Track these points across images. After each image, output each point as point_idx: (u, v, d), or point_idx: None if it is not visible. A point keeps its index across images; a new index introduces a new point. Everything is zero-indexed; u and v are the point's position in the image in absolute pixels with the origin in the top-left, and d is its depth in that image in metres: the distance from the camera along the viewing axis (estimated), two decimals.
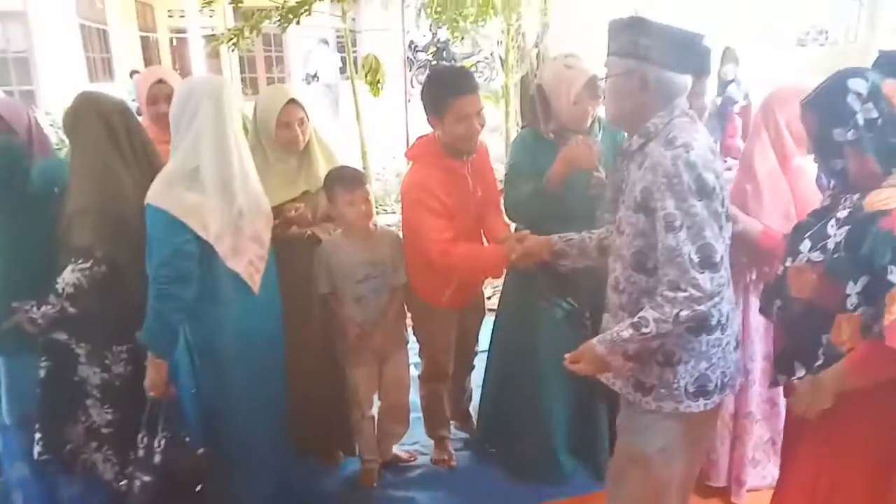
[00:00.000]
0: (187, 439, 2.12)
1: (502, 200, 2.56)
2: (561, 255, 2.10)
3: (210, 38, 9.89)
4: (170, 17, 15.91)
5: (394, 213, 6.95)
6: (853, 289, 1.57)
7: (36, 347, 2.13)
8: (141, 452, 2.09)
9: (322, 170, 2.55)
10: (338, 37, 13.38)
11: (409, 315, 2.75)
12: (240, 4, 4.25)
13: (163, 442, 2.07)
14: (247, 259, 2.12)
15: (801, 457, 1.82)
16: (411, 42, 14.16)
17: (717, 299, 1.63)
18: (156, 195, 1.99)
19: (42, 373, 2.14)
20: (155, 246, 1.97)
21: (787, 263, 1.75)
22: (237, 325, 2.14)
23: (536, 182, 2.34)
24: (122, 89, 13.00)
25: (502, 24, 5.30)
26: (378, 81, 5.13)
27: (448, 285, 2.52)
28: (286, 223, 2.42)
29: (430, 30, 12.19)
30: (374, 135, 5.53)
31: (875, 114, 1.56)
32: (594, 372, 1.81)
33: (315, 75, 13.92)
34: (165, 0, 15.14)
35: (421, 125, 2.63)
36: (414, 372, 2.87)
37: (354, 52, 6.08)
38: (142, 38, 15.03)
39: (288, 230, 2.44)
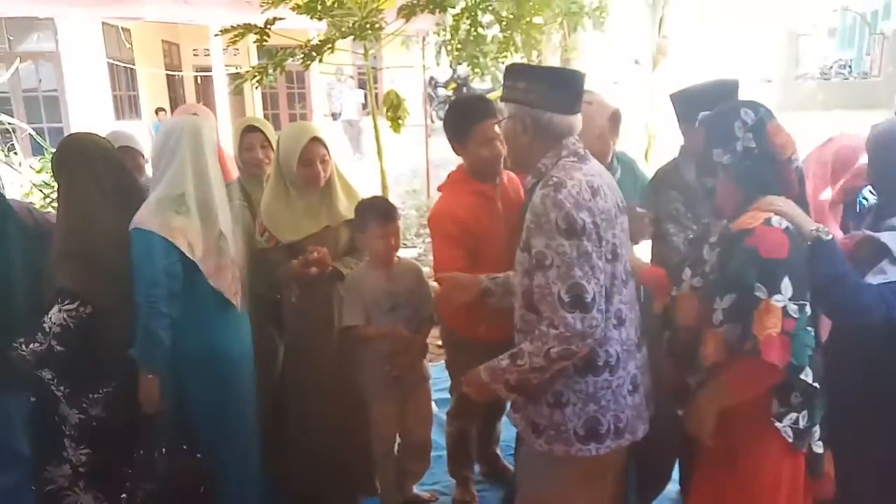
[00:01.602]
0: (184, 447, 2.25)
1: None
2: (487, 294, 2.08)
3: (234, 76, 10.11)
4: (195, 55, 16.27)
5: (414, 247, 6.95)
6: (719, 304, 1.65)
7: (24, 384, 2.20)
8: (141, 465, 2.19)
9: (343, 205, 2.55)
10: (360, 74, 13.61)
11: (431, 351, 2.72)
12: (263, 43, 4.32)
13: (163, 450, 2.21)
14: (229, 278, 2.26)
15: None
16: (432, 78, 14.38)
17: (590, 340, 1.62)
18: (143, 219, 2.12)
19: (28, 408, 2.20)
20: (143, 268, 2.10)
21: (673, 293, 1.84)
22: (217, 341, 2.27)
23: None
24: (148, 126, 13.30)
25: (522, 60, 5.34)
26: (399, 117, 5.17)
27: (481, 317, 2.48)
28: (306, 264, 2.42)
29: (451, 66, 12.37)
30: (394, 170, 5.56)
31: (753, 144, 1.67)
32: (480, 397, 1.86)
33: (339, 112, 14.17)
34: (190, 39, 15.51)
35: (441, 161, 2.65)
36: (435, 409, 2.82)
37: (376, 88, 6.16)
38: (167, 76, 15.37)
39: (308, 270, 2.43)
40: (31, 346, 2.09)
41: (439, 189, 2.60)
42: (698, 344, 1.72)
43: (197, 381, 2.25)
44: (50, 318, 2.08)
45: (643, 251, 2.37)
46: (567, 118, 1.74)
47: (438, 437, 2.88)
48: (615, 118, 2.28)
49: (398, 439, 2.71)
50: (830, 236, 1.65)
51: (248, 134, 2.74)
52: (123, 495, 2.22)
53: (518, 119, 1.75)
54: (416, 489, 2.83)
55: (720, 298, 1.65)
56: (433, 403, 2.78)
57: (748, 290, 1.58)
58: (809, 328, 1.57)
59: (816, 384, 1.59)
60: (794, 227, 1.63)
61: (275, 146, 2.65)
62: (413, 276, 2.57)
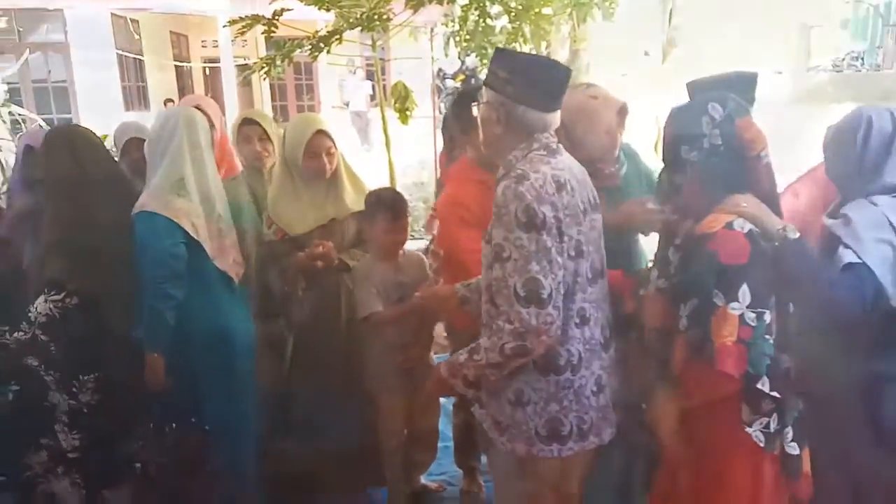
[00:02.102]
0: (192, 420, 2.33)
1: None
2: (464, 301, 2.05)
3: (242, 68, 10.12)
4: (203, 47, 16.28)
5: (422, 238, 6.94)
6: (683, 311, 1.62)
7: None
8: (152, 440, 2.28)
9: (350, 197, 2.55)
10: (368, 65, 13.57)
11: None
12: (272, 34, 4.31)
13: (173, 425, 2.29)
14: (230, 259, 2.32)
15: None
16: (440, 70, 14.30)
17: (544, 337, 1.58)
18: (147, 203, 2.17)
19: (10, 396, 2.21)
20: (148, 249, 2.15)
21: (641, 293, 1.82)
22: (222, 320, 2.33)
23: None
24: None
25: (531, 51, 5.30)
26: (407, 109, 5.17)
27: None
28: (311, 257, 2.43)
29: (459, 58, 12.31)
30: (402, 161, 5.56)
31: (720, 141, 1.61)
32: (440, 392, 1.91)
33: (346, 103, 14.16)
34: (199, 30, 15.50)
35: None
36: (442, 400, 2.83)
37: (384, 80, 6.15)
38: (176, 67, 15.39)
39: (313, 263, 2.44)
40: (16, 334, 2.12)
41: (443, 179, 2.59)
42: (664, 345, 1.70)
43: (202, 359, 2.30)
44: (36, 308, 2.11)
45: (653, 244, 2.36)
46: (543, 115, 1.69)
47: (445, 427, 2.88)
48: (623, 112, 2.26)
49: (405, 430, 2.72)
50: (798, 234, 1.61)
51: (245, 127, 2.75)
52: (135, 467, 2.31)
53: (493, 108, 1.71)
54: (423, 479, 2.84)
55: (684, 304, 1.62)
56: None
57: (707, 296, 1.55)
58: (768, 336, 1.53)
59: (775, 393, 1.55)
60: (758, 230, 1.59)
61: (273, 138, 2.69)
62: (418, 267, 2.57)
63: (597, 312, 1.74)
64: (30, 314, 2.12)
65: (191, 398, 2.32)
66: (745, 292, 1.51)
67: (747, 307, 1.52)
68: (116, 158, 2.79)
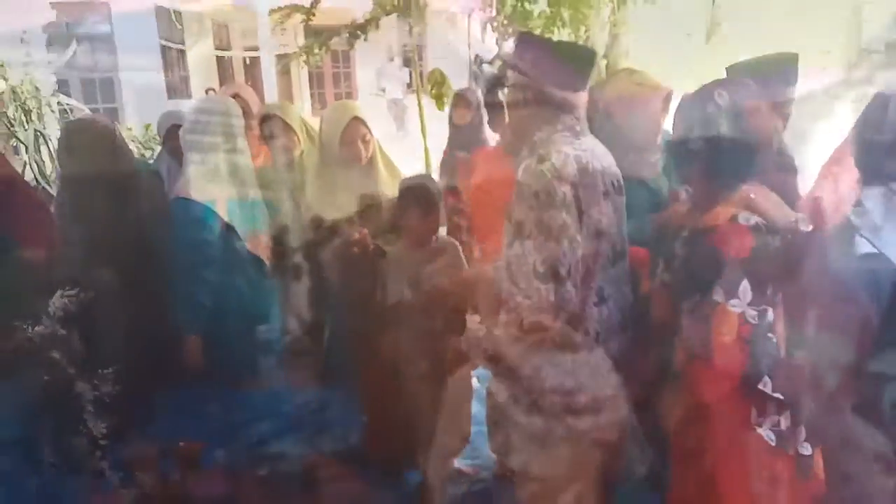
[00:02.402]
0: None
1: None
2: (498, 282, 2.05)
3: (281, 57, 10.21)
4: (244, 36, 16.44)
5: None
6: (686, 306, 1.59)
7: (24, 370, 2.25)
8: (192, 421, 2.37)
9: (386, 183, 2.57)
10: (405, 52, 13.55)
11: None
12: (310, 21, 4.36)
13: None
14: (262, 244, 2.39)
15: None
16: (477, 56, 14.22)
17: (562, 314, 1.60)
18: (182, 190, 2.26)
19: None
20: (183, 235, 2.23)
21: (651, 286, 1.79)
22: (251, 303, 2.42)
23: None
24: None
25: (570, 37, 5.24)
26: (443, 95, 5.17)
27: None
28: (348, 245, 2.46)
29: (496, 43, 12.21)
30: (438, 147, 5.57)
31: (726, 129, 1.54)
32: (459, 364, 1.98)
33: (383, 90, 14.20)
34: (239, 20, 15.64)
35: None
36: (476, 384, 2.84)
37: (420, 66, 6.16)
38: (217, 57, 15.56)
39: (350, 249, 2.47)
40: (37, 328, 2.17)
41: (473, 163, 2.59)
42: (669, 338, 1.67)
43: (234, 339, 2.39)
44: (53, 303, 2.16)
45: None
46: (568, 95, 1.70)
47: (479, 412, 2.89)
48: (668, 99, 2.22)
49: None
50: (811, 227, 1.55)
51: (266, 122, 2.78)
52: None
53: (519, 90, 1.74)
54: (457, 463, 2.86)
55: (687, 300, 1.59)
56: (474, 378, 2.79)
57: (707, 292, 1.51)
58: (770, 335, 1.48)
59: (778, 395, 1.49)
60: (766, 223, 1.52)
61: (296, 127, 2.73)
62: (451, 254, 2.57)
63: (616, 293, 1.75)
64: (49, 308, 2.17)
65: (227, 377, 2.39)
66: (745, 289, 1.47)
67: (748, 304, 1.47)
68: (159, 146, 2.87)
